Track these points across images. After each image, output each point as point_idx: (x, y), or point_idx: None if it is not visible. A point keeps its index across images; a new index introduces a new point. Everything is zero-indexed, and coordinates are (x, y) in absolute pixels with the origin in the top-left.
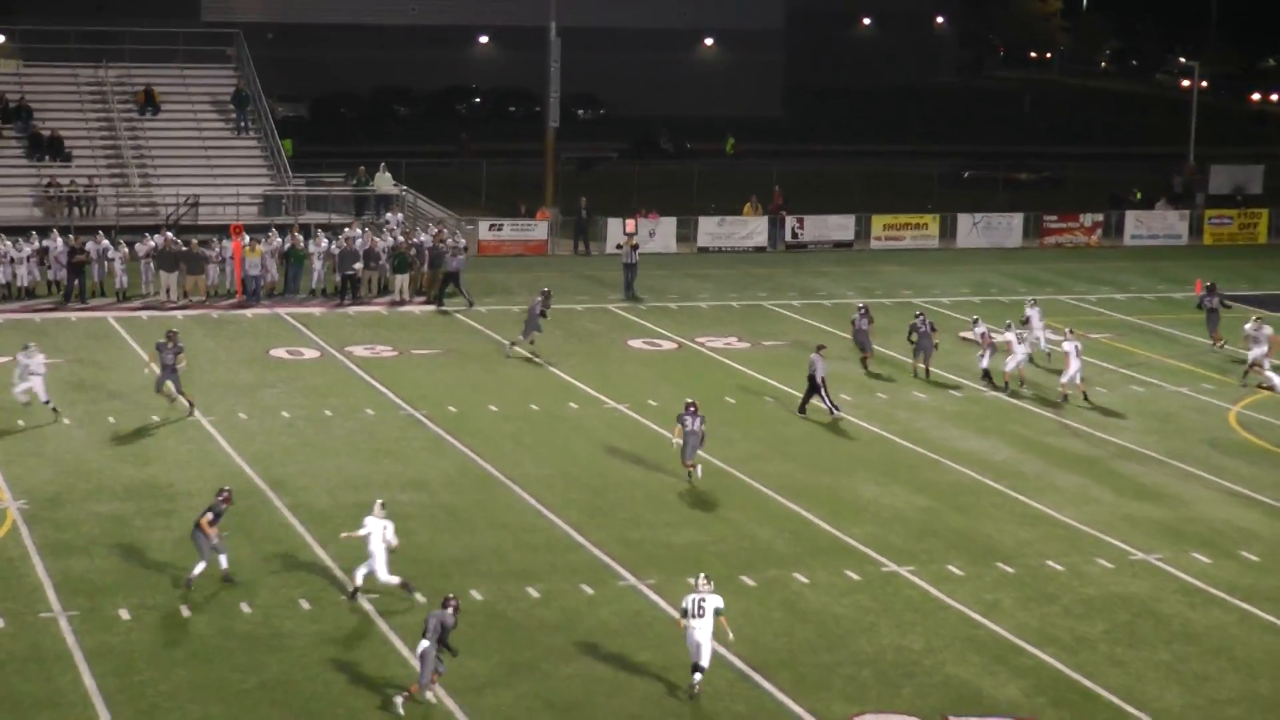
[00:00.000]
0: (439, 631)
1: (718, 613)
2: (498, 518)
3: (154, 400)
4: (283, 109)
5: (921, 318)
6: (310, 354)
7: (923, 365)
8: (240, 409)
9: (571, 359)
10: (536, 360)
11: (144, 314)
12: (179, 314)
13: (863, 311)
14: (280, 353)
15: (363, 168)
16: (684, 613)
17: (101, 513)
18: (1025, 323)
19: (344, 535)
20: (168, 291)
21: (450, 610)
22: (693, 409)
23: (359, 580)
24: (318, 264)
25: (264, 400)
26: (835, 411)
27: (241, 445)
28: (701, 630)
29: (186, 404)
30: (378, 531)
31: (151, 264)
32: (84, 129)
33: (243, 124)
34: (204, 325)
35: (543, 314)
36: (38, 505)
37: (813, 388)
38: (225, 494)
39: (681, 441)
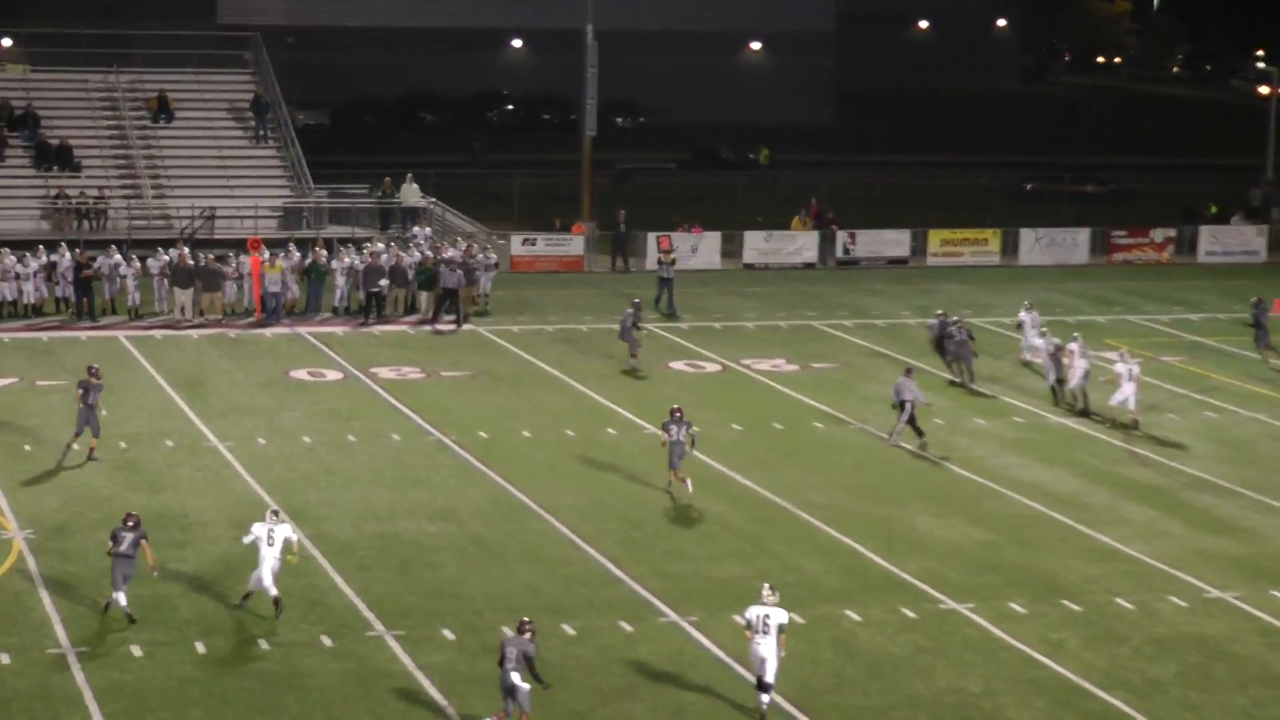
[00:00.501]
0: (524, 662)
1: (780, 629)
2: (530, 550)
3: (168, 425)
4: (303, 116)
5: (957, 323)
6: (333, 375)
7: (966, 373)
8: (259, 434)
9: (609, 382)
10: (641, 375)
11: (158, 333)
12: (194, 333)
13: (955, 321)
14: (301, 374)
15: (388, 179)
16: (748, 625)
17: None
18: (1018, 327)
19: (245, 541)
20: (182, 309)
21: (528, 636)
22: (678, 415)
23: (269, 588)
24: (341, 280)
25: (284, 424)
26: (916, 436)
27: (259, 472)
28: (767, 646)
29: (86, 448)
30: (264, 535)
31: (165, 280)
32: (94, 137)
33: (261, 132)
34: (220, 345)
35: (635, 326)
36: (45, 535)
37: (905, 412)
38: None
39: (667, 451)
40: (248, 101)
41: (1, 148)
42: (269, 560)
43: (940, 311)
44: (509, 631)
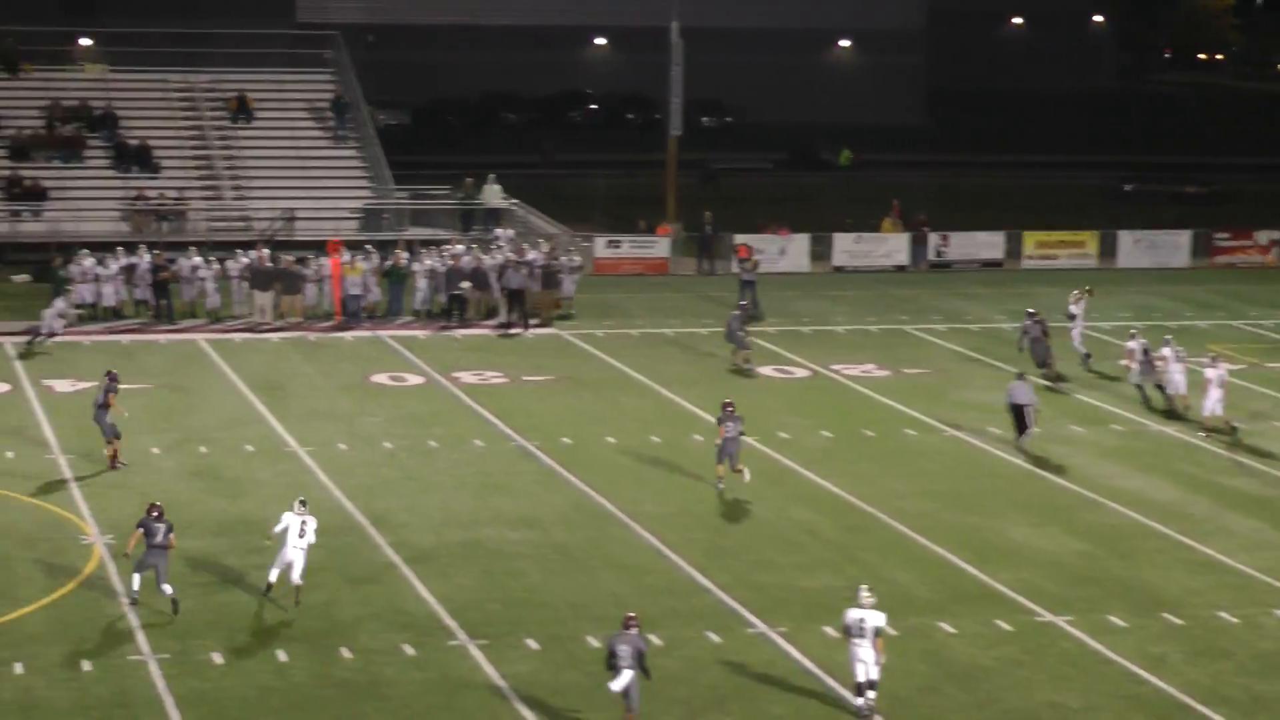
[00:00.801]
0: (638, 657)
1: (877, 633)
2: (614, 558)
3: (248, 430)
4: (384, 116)
5: (1033, 318)
6: (414, 380)
7: (1051, 371)
8: (339, 439)
9: (695, 387)
10: (746, 370)
11: (237, 336)
12: (274, 336)
13: (1034, 315)
14: (382, 379)
15: (470, 179)
16: (847, 630)
17: (192, 550)
18: (1072, 319)
19: (269, 539)
20: (261, 312)
21: (636, 631)
22: (731, 410)
23: (294, 577)
24: (422, 283)
25: (364, 430)
26: (1024, 437)
27: (340, 478)
28: (865, 650)
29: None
30: (294, 526)
31: (245, 283)
32: (173, 138)
33: (341, 133)
34: (300, 348)
35: (743, 329)
36: (125, 541)
37: (1018, 415)
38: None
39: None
40: (328, 101)
41: (81, 149)
42: (299, 553)
43: (1032, 310)
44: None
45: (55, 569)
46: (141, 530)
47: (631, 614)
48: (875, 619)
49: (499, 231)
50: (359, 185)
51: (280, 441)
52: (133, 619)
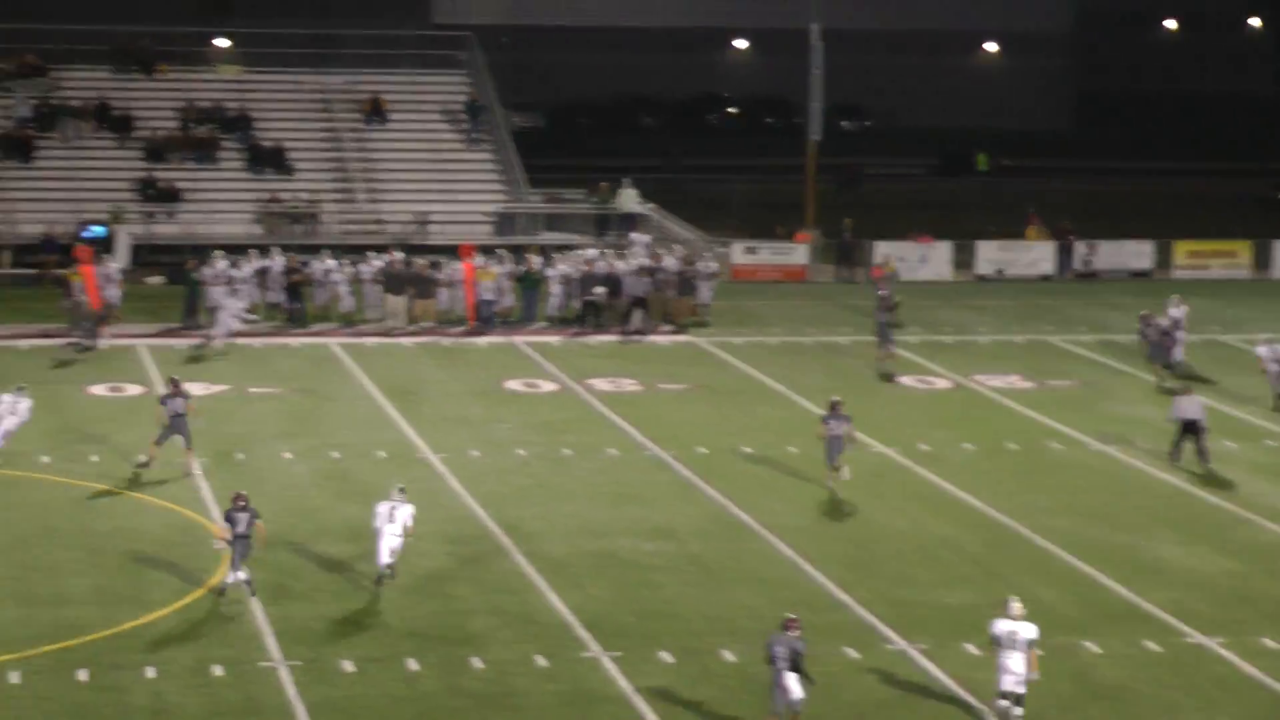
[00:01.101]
0: (794, 659)
1: (1030, 645)
2: (752, 571)
3: (380, 435)
4: (518, 119)
5: (1148, 319)
6: (548, 387)
7: (1164, 370)
8: (471, 446)
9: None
10: (889, 375)
11: (370, 340)
12: (406, 341)
13: (1151, 321)
14: (515, 385)
15: (605, 183)
16: (996, 642)
17: (324, 556)
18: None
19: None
20: (395, 316)
21: (797, 634)
22: (838, 409)
23: (384, 560)
24: (556, 288)
25: (497, 437)
26: (1203, 458)
27: (472, 485)
28: (1016, 661)
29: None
30: (384, 513)
31: (378, 286)
32: (307, 140)
33: (475, 135)
34: (433, 354)
35: (889, 324)
36: (257, 546)
37: (1187, 432)
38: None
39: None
40: (462, 103)
41: (215, 150)
42: (388, 537)
43: (1145, 314)
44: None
45: (186, 573)
46: (227, 523)
47: (792, 615)
48: (1027, 631)
49: (634, 236)
50: (493, 189)
51: (412, 447)
52: (263, 624)
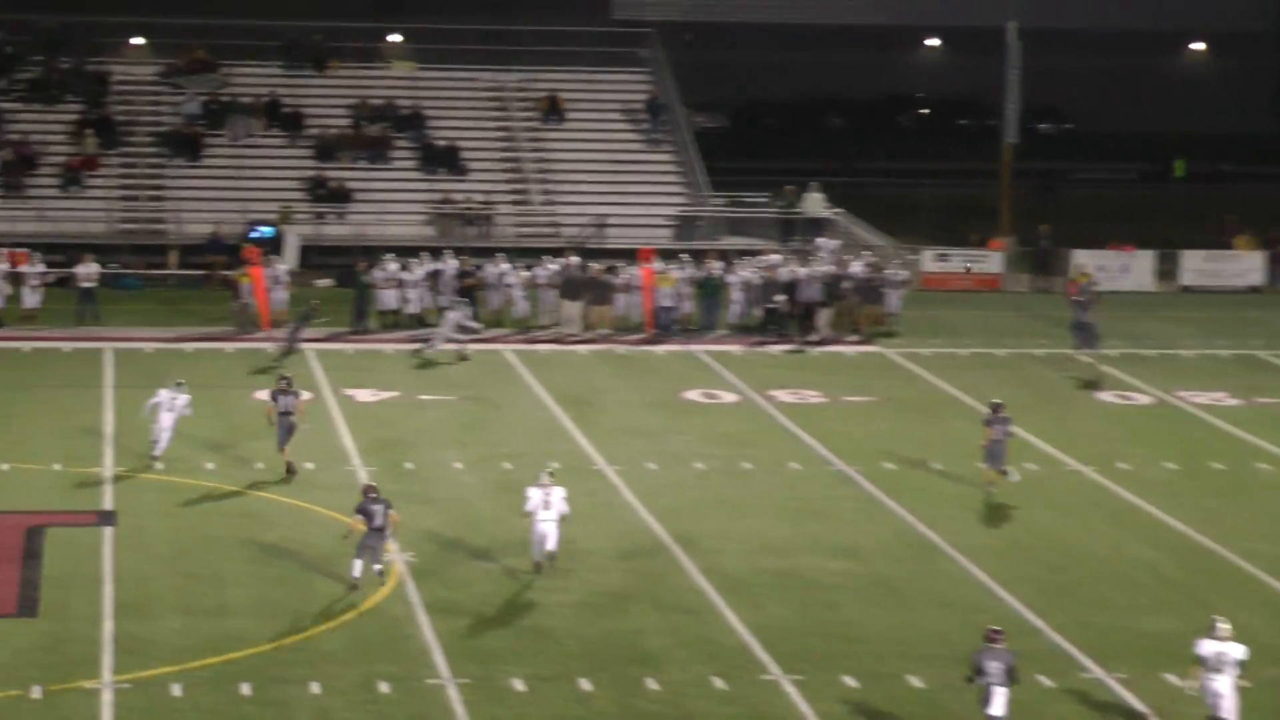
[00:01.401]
0: (1009, 674)
1: (1240, 667)
2: (940, 593)
3: (553, 445)
4: (701, 119)
5: None
6: (728, 397)
7: None
8: (648, 458)
9: (1028, 412)
10: (1092, 382)
11: (544, 347)
12: (582, 348)
13: None
14: (694, 395)
15: (790, 186)
16: (1202, 663)
17: (495, 569)
18: None
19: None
20: (570, 322)
21: (1004, 646)
22: (1000, 413)
23: (547, 547)
24: (737, 295)
25: (674, 448)
26: None
27: (649, 499)
28: (1223, 683)
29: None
30: (538, 499)
31: (553, 291)
32: (481, 139)
33: (656, 135)
34: (609, 362)
35: (1084, 324)
36: (426, 559)
37: None
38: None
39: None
40: (642, 102)
41: (387, 149)
42: (551, 525)
43: None
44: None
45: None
46: (360, 515)
47: (996, 627)
48: (1236, 651)
49: (820, 242)
50: (673, 191)
51: (587, 459)
52: (431, 639)
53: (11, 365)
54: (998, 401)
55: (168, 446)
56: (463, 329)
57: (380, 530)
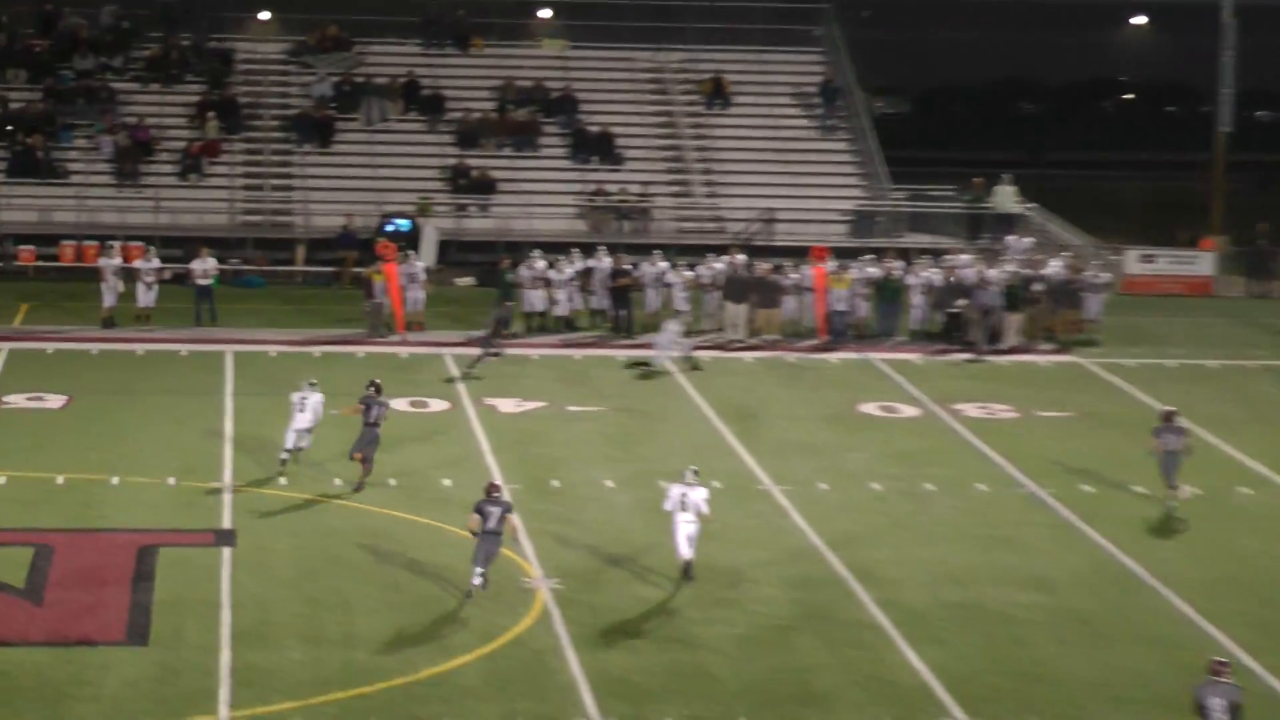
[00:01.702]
0: (1234, 712)
1: None
2: (1142, 629)
3: (716, 463)
4: (880, 104)
5: None
6: (908, 411)
7: None
8: (820, 478)
9: (1242, 430)
10: None
11: (704, 354)
12: (747, 355)
13: None
14: (871, 408)
15: (979, 179)
16: None
17: (649, 598)
18: None
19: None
20: (734, 327)
21: (1231, 681)
22: (1173, 422)
23: (684, 553)
24: (918, 298)
25: (849, 467)
26: None
27: (819, 522)
28: None
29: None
30: (676, 498)
31: (716, 293)
32: (638, 125)
33: (830, 122)
34: (777, 371)
35: None
36: (573, 586)
37: None
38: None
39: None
40: (816, 85)
41: (535, 135)
42: (690, 525)
43: None
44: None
45: (493, 615)
46: (477, 514)
47: (1221, 659)
48: None
49: (1009, 240)
50: (849, 183)
51: (751, 478)
52: (578, 675)
53: (123, 369)
54: (1171, 409)
55: (298, 449)
56: (677, 343)
57: (494, 534)
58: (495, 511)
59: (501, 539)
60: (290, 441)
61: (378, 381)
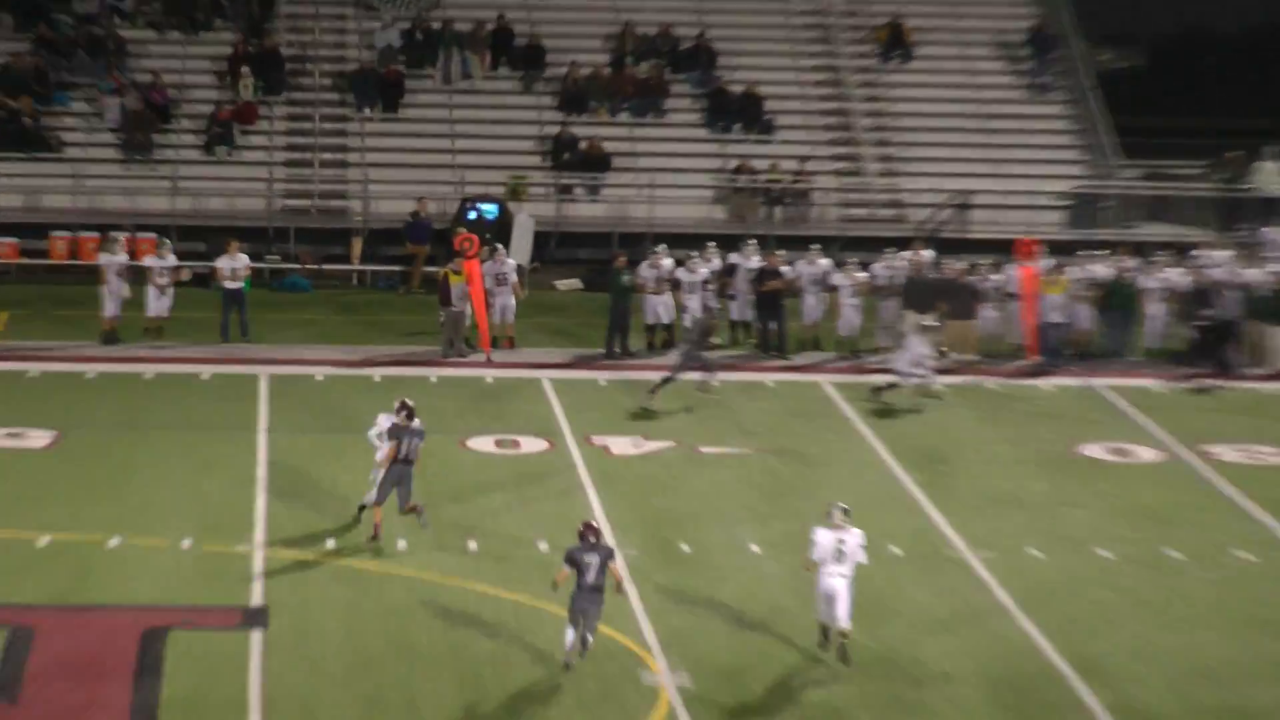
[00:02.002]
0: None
1: None
2: None
3: (893, 520)
4: (1107, 57)
5: None
6: (1146, 454)
7: None
8: (1029, 541)
9: None
10: None
11: (880, 378)
12: (934, 380)
13: None
14: (1095, 449)
15: (1236, 153)
16: None
17: (807, 700)
18: None
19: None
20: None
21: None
22: None
23: (838, 617)
24: (1157, 308)
25: (1067, 527)
26: None
27: (1030, 600)
28: None
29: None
30: (828, 545)
31: (893, 299)
32: (793, 85)
33: (1041, 80)
34: (972, 400)
35: None
36: (707, 681)
37: None
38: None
39: None
40: (1023, 33)
41: (660, 97)
42: (842, 582)
43: None
44: None
45: (604, 714)
46: (569, 565)
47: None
48: None
49: (1266, 232)
50: (1067, 158)
51: (941, 540)
52: None
53: (129, 396)
54: None
55: (386, 500)
56: (919, 366)
57: (595, 590)
58: (594, 561)
59: (601, 596)
60: (373, 495)
61: (410, 403)
